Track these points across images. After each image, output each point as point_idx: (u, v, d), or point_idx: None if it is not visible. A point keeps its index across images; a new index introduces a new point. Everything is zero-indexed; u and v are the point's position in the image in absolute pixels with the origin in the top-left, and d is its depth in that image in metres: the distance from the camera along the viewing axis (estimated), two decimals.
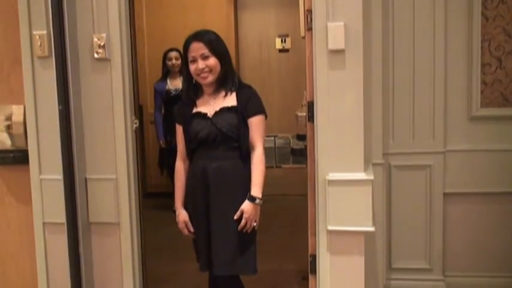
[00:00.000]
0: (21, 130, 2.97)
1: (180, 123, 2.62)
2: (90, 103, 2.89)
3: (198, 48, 2.47)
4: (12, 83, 2.99)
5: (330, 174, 2.74)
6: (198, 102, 2.59)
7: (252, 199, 2.47)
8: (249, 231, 2.48)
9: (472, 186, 3.39)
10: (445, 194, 3.38)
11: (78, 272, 2.85)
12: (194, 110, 2.56)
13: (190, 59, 2.49)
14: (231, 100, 2.52)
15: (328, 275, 2.80)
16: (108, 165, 2.91)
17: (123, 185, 2.91)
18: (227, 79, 2.54)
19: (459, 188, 3.39)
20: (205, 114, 2.51)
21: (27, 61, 2.89)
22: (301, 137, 4.19)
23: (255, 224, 2.50)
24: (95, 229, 2.97)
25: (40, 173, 2.94)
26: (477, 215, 3.44)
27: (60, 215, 2.84)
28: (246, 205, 2.47)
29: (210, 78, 2.50)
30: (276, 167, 5.81)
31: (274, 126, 5.83)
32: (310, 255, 2.88)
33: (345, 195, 2.72)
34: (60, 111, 2.75)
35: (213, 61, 2.48)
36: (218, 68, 2.50)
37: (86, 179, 2.92)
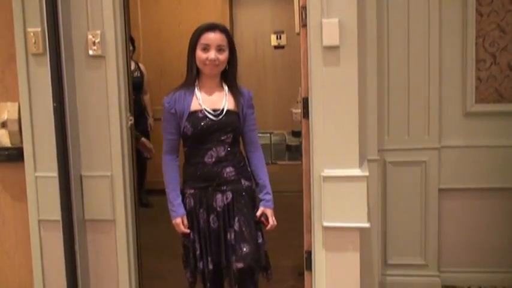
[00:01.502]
0: (16, 127, 2.95)
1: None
2: (85, 100, 2.88)
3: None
4: (7, 80, 2.98)
5: (325, 170, 2.74)
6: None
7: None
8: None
9: (467, 182, 3.40)
10: (440, 190, 3.39)
11: (73, 269, 2.85)
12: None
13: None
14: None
15: (323, 271, 2.81)
16: (104, 162, 2.90)
17: (118, 182, 2.90)
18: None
19: (454, 183, 3.40)
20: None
21: (22, 58, 2.87)
22: (297, 134, 4.20)
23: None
24: (90, 226, 2.96)
25: (35, 170, 2.93)
26: (472, 210, 3.45)
27: (55, 212, 2.83)
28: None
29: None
30: (272, 163, 5.81)
31: (270, 123, 5.82)
32: (306, 252, 2.89)
33: (340, 192, 2.72)
34: (54, 109, 2.73)
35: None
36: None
37: (81, 176, 2.91)
